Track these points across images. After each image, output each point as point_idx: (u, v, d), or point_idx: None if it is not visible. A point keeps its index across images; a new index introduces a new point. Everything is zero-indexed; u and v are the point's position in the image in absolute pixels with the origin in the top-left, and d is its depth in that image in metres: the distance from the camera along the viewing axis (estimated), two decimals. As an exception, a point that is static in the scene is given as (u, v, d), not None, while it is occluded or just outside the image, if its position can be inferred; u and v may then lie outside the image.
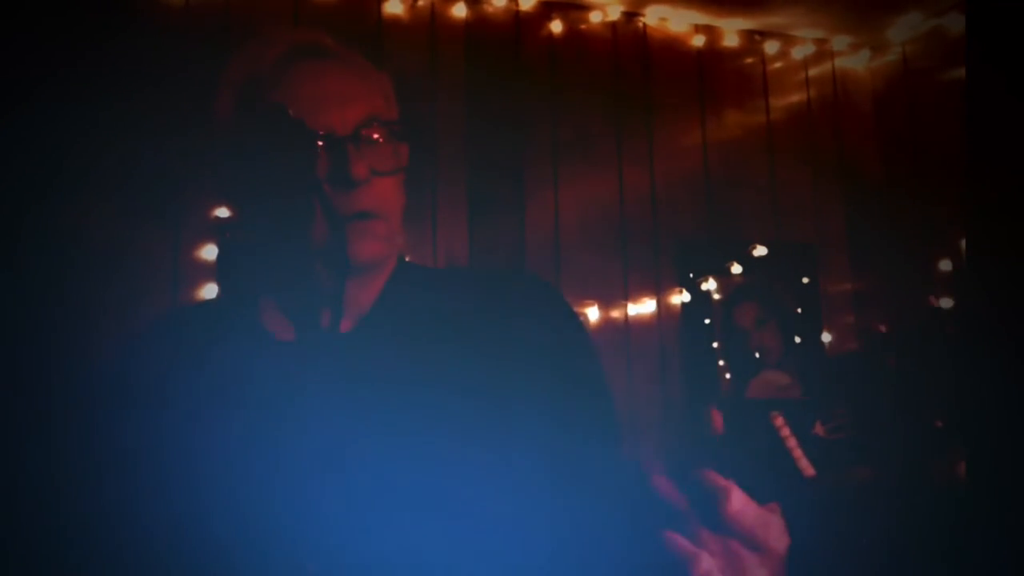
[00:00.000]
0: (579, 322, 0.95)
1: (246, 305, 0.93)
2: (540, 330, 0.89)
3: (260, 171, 0.85)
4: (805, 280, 2.93)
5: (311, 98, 0.84)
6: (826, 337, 2.92)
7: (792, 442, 0.55)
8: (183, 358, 0.87)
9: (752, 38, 3.02)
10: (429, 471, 0.78)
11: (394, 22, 2.64)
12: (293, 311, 0.90)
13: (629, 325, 2.73)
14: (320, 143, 0.82)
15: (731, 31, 2.99)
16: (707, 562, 0.54)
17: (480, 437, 0.80)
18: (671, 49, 2.93)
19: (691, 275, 2.81)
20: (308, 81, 0.85)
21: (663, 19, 2.92)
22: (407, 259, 0.97)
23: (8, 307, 2.09)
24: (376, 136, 0.86)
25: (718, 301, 2.84)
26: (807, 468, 0.55)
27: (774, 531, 0.54)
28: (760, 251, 2.88)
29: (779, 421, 0.55)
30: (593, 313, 2.68)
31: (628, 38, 2.89)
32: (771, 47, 3.04)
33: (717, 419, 0.57)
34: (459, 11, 2.71)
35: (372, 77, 0.92)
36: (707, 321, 2.81)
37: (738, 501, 0.54)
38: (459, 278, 1.01)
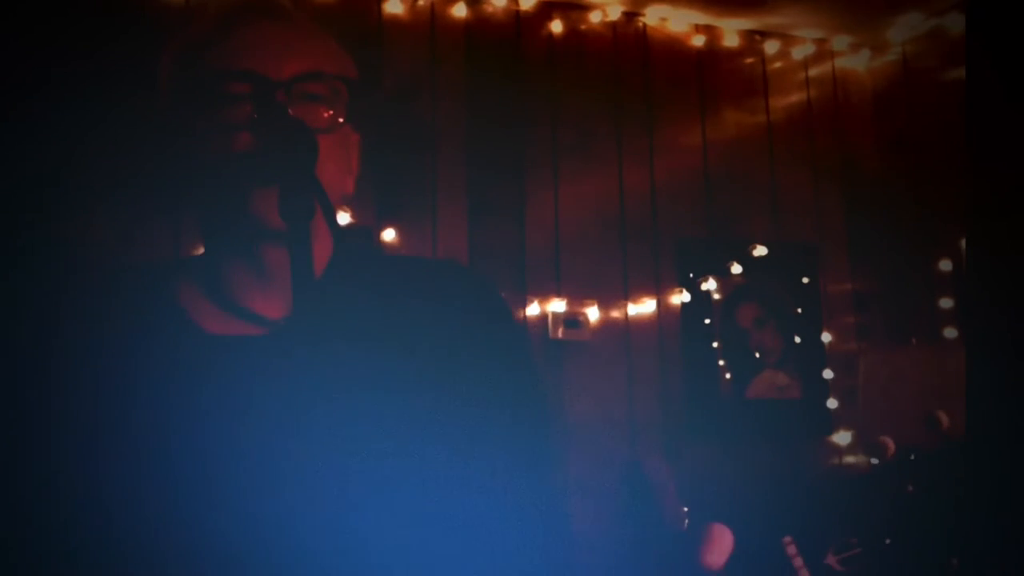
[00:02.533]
0: (508, 313, 0.93)
1: (161, 285, 0.88)
2: (469, 322, 0.86)
3: (194, 132, 0.81)
4: (805, 280, 2.93)
5: (247, 47, 0.80)
6: (826, 337, 2.92)
7: (804, 573, 0.52)
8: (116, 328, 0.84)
9: (752, 38, 3.02)
10: (352, 465, 0.76)
11: (394, 22, 2.64)
12: (217, 292, 0.85)
13: (629, 325, 2.73)
14: (248, 87, 0.78)
15: (731, 31, 2.99)
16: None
17: (413, 432, 0.78)
18: (671, 49, 2.93)
19: (691, 275, 2.81)
20: (249, 35, 0.81)
21: (663, 19, 2.92)
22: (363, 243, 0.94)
23: (8, 306, 2.09)
24: (312, 92, 0.81)
25: (718, 301, 2.84)
26: None
27: None
28: (760, 251, 2.88)
29: (791, 549, 0.53)
30: (593, 313, 2.68)
31: (628, 38, 2.89)
32: (771, 47, 3.04)
33: (718, 552, 0.54)
34: (459, 11, 2.71)
35: (320, 38, 0.87)
36: (707, 321, 2.81)
37: None
38: (395, 267, 0.97)
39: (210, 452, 0.76)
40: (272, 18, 0.83)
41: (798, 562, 0.51)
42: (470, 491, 0.80)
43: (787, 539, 0.52)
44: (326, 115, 0.82)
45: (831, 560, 0.48)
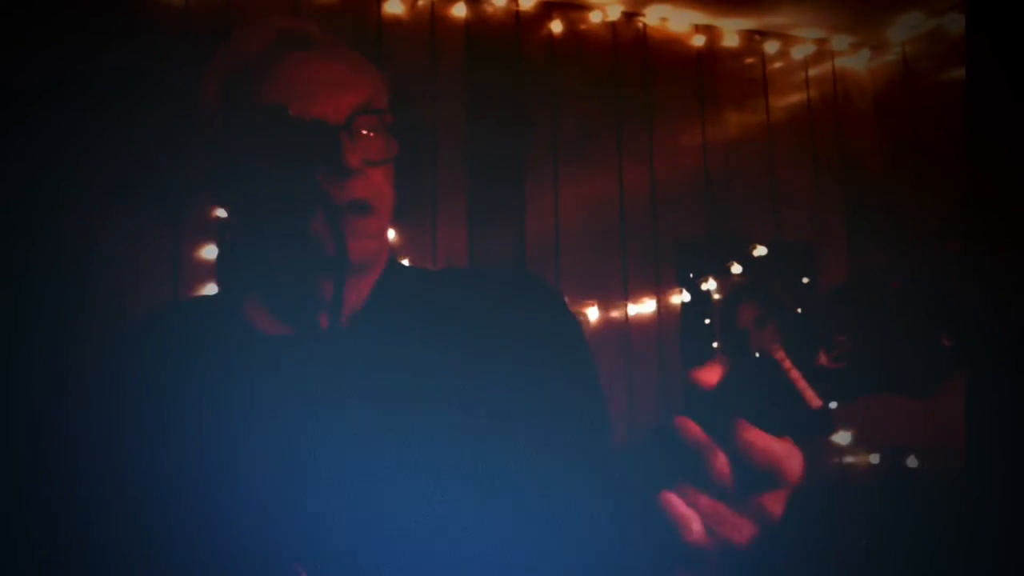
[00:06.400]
0: (578, 325, 0.93)
1: (232, 304, 0.91)
2: (538, 332, 0.87)
3: (252, 167, 0.83)
4: (805, 280, 2.93)
5: (301, 89, 0.82)
6: (826, 337, 2.92)
7: (795, 373, 0.55)
8: (174, 355, 0.86)
9: (752, 38, 3.02)
10: (421, 470, 0.77)
11: (394, 22, 2.64)
12: (283, 310, 0.88)
13: (629, 325, 2.73)
14: (313, 133, 0.80)
15: (731, 31, 2.99)
16: (698, 524, 0.54)
17: (474, 438, 0.79)
18: (671, 49, 2.93)
19: (691, 275, 2.81)
20: (296, 72, 0.83)
21: (663, 19, 2.92)
22: (403, 261, 0.96)
23: (13, 307, 2.09)
24: (369, 125, 0.84)
25: (718, 301, 2.84)
26: (813, 399, 0.54)
27: (792, 459, 0.55)
28: (760, 251, 2.88)
29: (780, 354, 0.55)
30: (593, 313, 2.68)
31: (628, 38, 2.89)
32: (771, 47, 3.04)
33: (711, 372, 0.57)
34: (459, 11, 2.71)
35: (361, 66, 0.90)
36: (707, 321, 2.81)
37: (751, 430, 0.54)
38: (455, 277, 0.99)
39: (271, 448, 0.77)
40: (308, 49, 0.85)
41: (787, 364, 0.53)
42: (520, 506, 0.79)
43: (775, 347, 0.54)
44: (381, 147, 0.85)
45: (823, 359, 0.50)
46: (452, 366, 0.83)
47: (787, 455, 0.54)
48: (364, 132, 0.83)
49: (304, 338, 0.86)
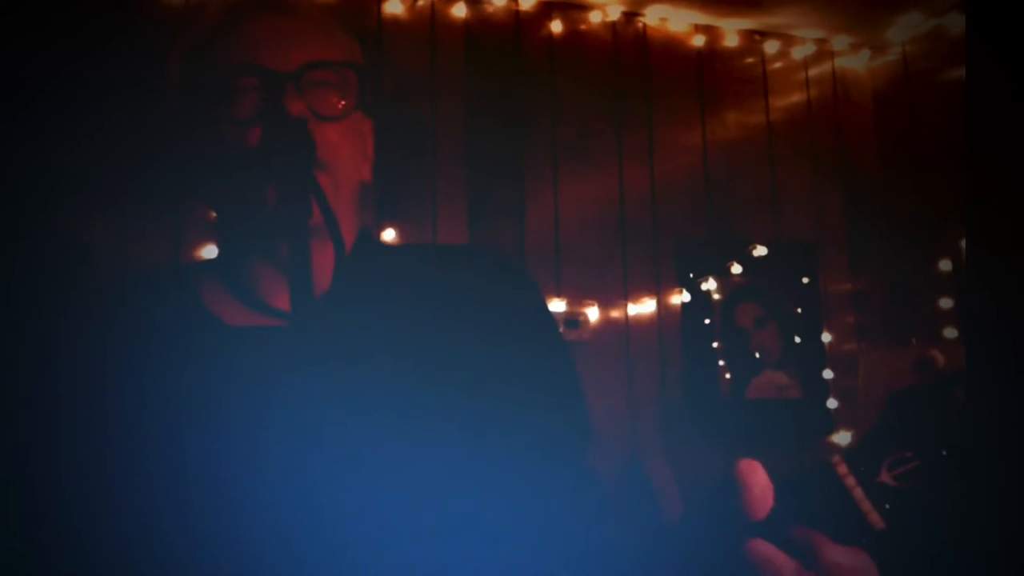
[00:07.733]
0: (541, 299, 0.91)
1: (187, 282, 0.86)
2: (502, 307, 0.85)
3: (205, 129, 0.79)
4: (805, 280, 2.93)
5: (253, 41, 0.79)
6: (826, 337, 2.92)
7: (859, 492, 0.51)
8: (166, 351, 0.82)
9: (752, 38, 3.02)
10: (380, 457, 0.74)
11: (394, 22, 2.64)
12: (239, 289, 0.84)
13: (629, 325, 2.73)
14: (256, 80, 0.77)
15: (731, 31, 2.99)
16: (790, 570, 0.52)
17: (442, 420, 0.76)
18: (671, 49, 2.93)
19: (691, 275, 2.81)
20: (253, 28, 0.81)
21: (663, 19, 2.92)
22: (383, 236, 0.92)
23: (12, 307, 2.09)
24: (321, 79, 0.80)
25: (718, 301, 2.84)
26: (877, 521, 0.51)
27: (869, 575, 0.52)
28: (760, 251, 2.88)
29: (843, 468, 0.52)
30: (593, 313, 2.68)
31: (628, 38, 2.89)
32: (771, 47, 3.04)
33: (762, 500, 0.54)
34: (459, 11, 2.70)
35: (330, 29, 0.86)
36: (707, 321, 2.81)
37: (830, 547, 0.52)
38: (427, 254, 0.96)
39: (230, 444, 0.74)
40: (276, 11, 0.83)
41: (850, 481, 0.51)
42: (491, 490, 0.77)
43: (836, 459, 0.51)
44: (337, 103, 0.81)
45: (885, 477, 0.47)
46: (425, 351, 0.79)
47: (865, 573, 0.52)
48: (317, 84, 0.80)
49: (265, 319, 0.81)
